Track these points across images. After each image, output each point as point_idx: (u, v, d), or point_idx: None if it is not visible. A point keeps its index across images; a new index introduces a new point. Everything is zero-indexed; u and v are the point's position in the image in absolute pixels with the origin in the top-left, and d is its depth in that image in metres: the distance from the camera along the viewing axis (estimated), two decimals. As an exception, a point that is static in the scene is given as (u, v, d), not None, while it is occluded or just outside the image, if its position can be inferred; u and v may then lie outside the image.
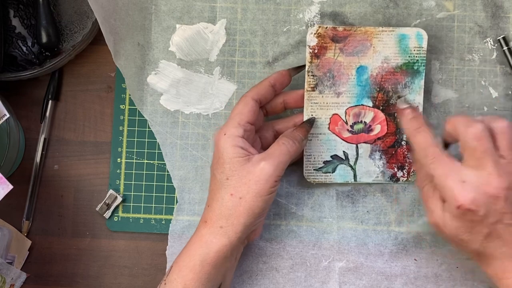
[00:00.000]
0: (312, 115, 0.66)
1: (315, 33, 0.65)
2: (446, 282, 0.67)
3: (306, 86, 0.66)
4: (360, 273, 0.68)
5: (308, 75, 0.66)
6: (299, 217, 0.68)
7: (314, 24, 0.69)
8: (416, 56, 0.66)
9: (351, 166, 0.67)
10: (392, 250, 0.68)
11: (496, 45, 0.68)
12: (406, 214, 0.68)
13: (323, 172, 0.67)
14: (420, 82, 0.66)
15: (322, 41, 0.65)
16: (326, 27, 0.65)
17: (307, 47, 0.65)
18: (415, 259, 0.68)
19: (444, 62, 0.68)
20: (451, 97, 0.68)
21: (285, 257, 0.68)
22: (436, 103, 0.68)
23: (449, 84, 0.68)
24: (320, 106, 0.66)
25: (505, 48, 0.67)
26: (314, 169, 0.67)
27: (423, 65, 0.66)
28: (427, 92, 0.68)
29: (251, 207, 0.59)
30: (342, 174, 0.67)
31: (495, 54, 0.68)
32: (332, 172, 0.67)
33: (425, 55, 0.66)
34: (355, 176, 0.67)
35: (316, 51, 0.65)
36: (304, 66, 0.66)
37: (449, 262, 0.67)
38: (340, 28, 0.65)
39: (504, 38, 0.67)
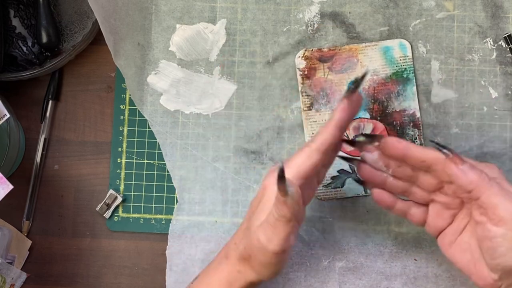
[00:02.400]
0: (312, 133, 0.67)
1: (302, 56, 0.68)
2: (446, 282, 0.67)
3: (302, 106, 0.68)
4: (360, 273, 0.68)
5: (302, 95, 0.68)
6: (299, 217, 0.68)
7: (314, 24, 0.69)
8: (404, 65, 0.68)
9: (359, 179, 0.67)
10: (392, 250, 0.68)
11: (496, 45, 0.68)
12: (406, 214, 0.68)
13: (332, 188, 0.68)
14: (412, 89, 0.67)
15: (310, 62, 0.68)
16: (312, 50, 0.68)
17: (297, 69, 0.68)
18: (415, 259, 0.68)
19: (444, 62, 0.68)
20: (451, 97, 0.68)
21: (285, 257, 0.68)
22: (435, 103, 0.68)
23: (449, 84, 0.68)
24: (319, 124, 0.68)
25: (511, 45, 0.67)
26: (323, 186, 0.68)
27: (412, 72, 0.67)
28: (427, 92, 0.68)
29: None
30: (352, 188, 0.68)
31: (495, 54, 0.68)
32: (342, 187, 0.68)
33: (411, 63, 0.67)
34: (365, 188, 0.67)
35: (306, 72, 0.68)
36: (362, 76, 0.54)
37: (449, 262, 0.67)
38: (325, 49, 0.68)
39: (509, 36, 0.67)
